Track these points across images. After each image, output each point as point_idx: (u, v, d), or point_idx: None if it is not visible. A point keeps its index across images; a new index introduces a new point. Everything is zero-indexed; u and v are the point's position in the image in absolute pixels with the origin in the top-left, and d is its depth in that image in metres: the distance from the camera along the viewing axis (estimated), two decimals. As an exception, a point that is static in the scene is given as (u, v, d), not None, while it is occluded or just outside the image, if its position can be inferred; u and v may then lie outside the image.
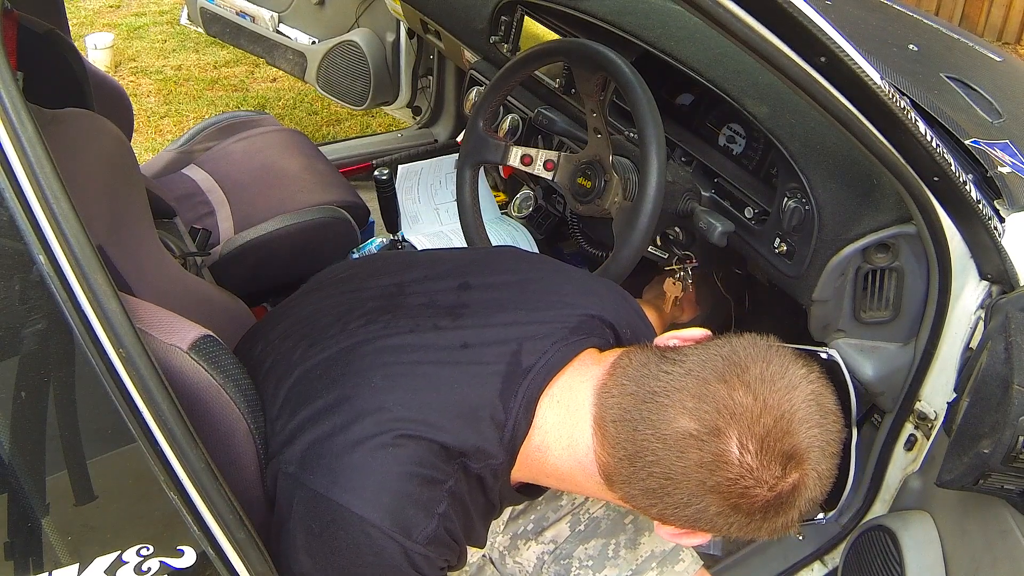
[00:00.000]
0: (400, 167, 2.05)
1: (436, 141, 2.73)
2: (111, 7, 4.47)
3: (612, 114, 1.64)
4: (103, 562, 0.73)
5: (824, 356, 0.85)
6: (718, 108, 1.58)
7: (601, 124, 1.43)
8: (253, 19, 2.70)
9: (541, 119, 1.72)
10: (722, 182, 1.51)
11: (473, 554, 1.19)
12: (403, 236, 1.96)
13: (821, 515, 0.84)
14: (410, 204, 2.04)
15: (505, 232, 1.97)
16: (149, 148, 3.19)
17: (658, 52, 1.51)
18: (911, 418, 1.38)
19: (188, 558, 0.76)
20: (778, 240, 1.38)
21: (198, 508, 0.73)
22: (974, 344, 1.25)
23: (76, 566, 0.72)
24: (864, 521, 1.52)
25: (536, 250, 1.96)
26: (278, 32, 2.69)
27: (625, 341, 0.98)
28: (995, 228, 1.17)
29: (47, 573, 0.71)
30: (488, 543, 1.20)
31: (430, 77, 2.66)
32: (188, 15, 2.89)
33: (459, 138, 1.96)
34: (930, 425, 1.35)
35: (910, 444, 1.40)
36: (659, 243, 1.66)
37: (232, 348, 0.92)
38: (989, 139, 1.40)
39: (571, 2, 1.67)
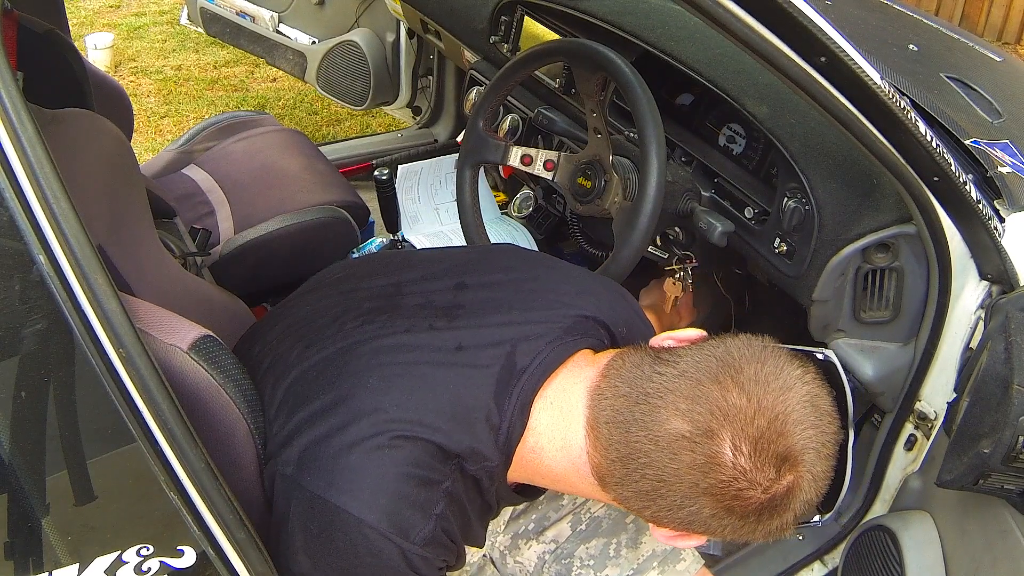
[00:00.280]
0: (400, 167, 2.05)
1: (436, 141, 2.73)
2: (111, 7, 4.47)
3: (612, 114, 1.64)
4: (103, 562, 0.73)
5: (820, 357, 0.85)
6: (718, 108, 1.58)
7: (601, 124, 1.43)
8: (253, 19, 2.70)
9: (541, 119, 1.72)
10: (722, 182, 1.51)
11: (474, 554, 1.19)
12: (403, 236, 1.96)
13: (817, 517, 0.83)
14: (410, 204, 2.04)
15: (505, 232, 1.97)
16: (149, 148, 3.19)
17: (658, 52, 1.51)
18: (911, 418, 1.38)
19: (188, 558, 0.76)
20: (778, 240, 1.38)
21: (198, 508, 0.73)
22: (974, 344, 1.25)
23: (76, 566, 0.72)
24: (864, 521, 1.52)
25: (536, 250, 1.95)
26: (278, 32, 2.69)
27: (621, 341, 0.97)
28: (995, 228, 1.17)
29: (47, 573, 0.71)
30: (489, 543, 1.20)
31: (430, 77, 2.66)
32: (188, 15, 2.89)
33: (459, 138, 1.96)
34: (930, 425, 1.35)
35: (910, 444, 1.40)
36: (659, 243, 1.66)
37: (231, 348, 0.92)
38: (989, 139, 1.40)
39: (571, 2, 1.67)
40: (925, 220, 1.18)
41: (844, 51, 0.93)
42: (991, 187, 1.30)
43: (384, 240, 1.93)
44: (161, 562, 0.75)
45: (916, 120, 1.03)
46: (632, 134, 1.56)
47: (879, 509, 1.50)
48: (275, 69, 3.01)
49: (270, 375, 0.93)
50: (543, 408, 0.87)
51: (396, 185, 1.95)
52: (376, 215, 2.01)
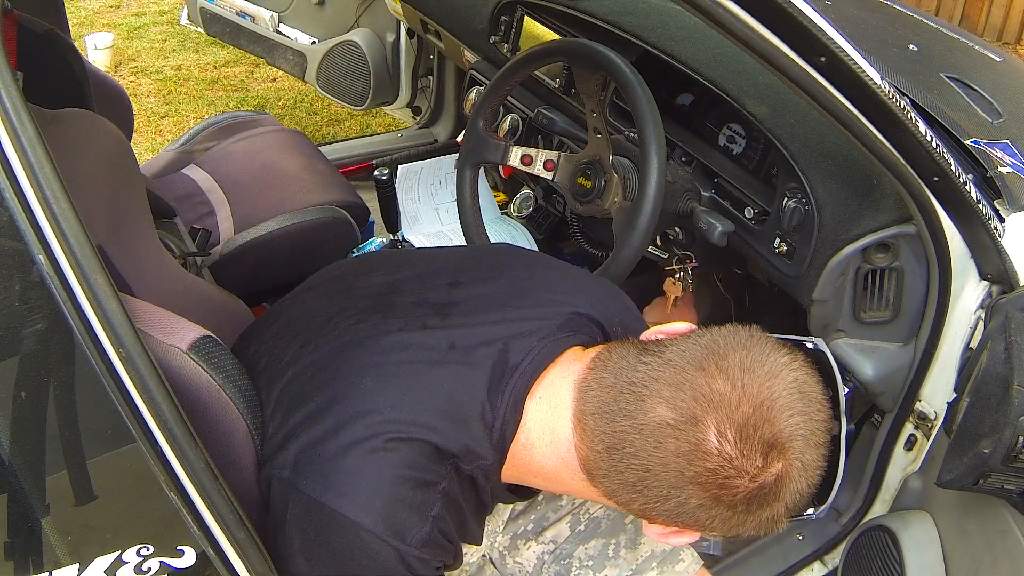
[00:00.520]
0: (400, 167, 2.05)
1: (436, 141, 2.73)
2: (111, 7, 4.47)
3: (612, 114, 1.64)
4: (103, 562, 0.73)
5: (810, 346, 0.84)
6: (718, 108, 1.58)
7: (601, 124, 1.43)
8: (253, 19, 2.70)
9: (541, 119, 1.72)
10: (722, 182, 1.51)
11: (473, 554, 1.19)
12: (403, 236, 1.96)
13: (811, 510, 0.81)
14: (410, 204, 2.04)
15: (505, 232, 1.97)
16: (149, 148, 3.19)
17: (658, 52, 1.51)
18: (911, 418, 1.38)
19: (188, 558, 0.76)
20: (778, 240, 1.38)
21: (198, 508, 0.73)
22: (974, 344, 1.25)
23: (76, 566, 0.72)
24: (864, 521, 1.52)
25: (536, 250, 1.95)
26: (278, 32, 2.69)
27: (615, 339, 0.97)
28: (995, 228, 1.17)
29: (47, 573, 0.71)
30: (488, 543, 1.20)
31: (430, 77, 2.66)
32: (188, 15, 2.89)
33: (459, 138, 1.96)
34: (930, 425, 1.35)
35: (910, 444, 1.40)
36: (659, 243, 1.66)
37: (230, 348, 0.92)
38: (989, 139, 1.40)
39: (571, 2, 1.67)
40: (925, 220, 1.18)
41: (844, 51, 0.93)
42: (991, 187, 1.30)
43: (384, 240, 1.93)
44: (161, 562, 0.75)
45: (916, 120, 1.03)
46: (632, 134, 1.57)
47: (879, 509, 1.50)
48: (275, 69, 3.01)
49: (266, 375, 0.93)
50: (534, 405, 0.87)
51: (396, 185, 1.95)
52: (376, 215, 2.01)
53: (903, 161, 1.08)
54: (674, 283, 1.65)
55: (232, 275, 1.73)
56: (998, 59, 1.85)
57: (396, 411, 0.83)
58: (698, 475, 0.75)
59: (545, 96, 1.81)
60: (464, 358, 0.87)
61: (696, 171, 1.55)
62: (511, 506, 1.21)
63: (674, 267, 1.63)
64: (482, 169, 1.65)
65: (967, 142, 1.37)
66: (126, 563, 0.74)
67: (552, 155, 1.51)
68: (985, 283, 1.24)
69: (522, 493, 0.98)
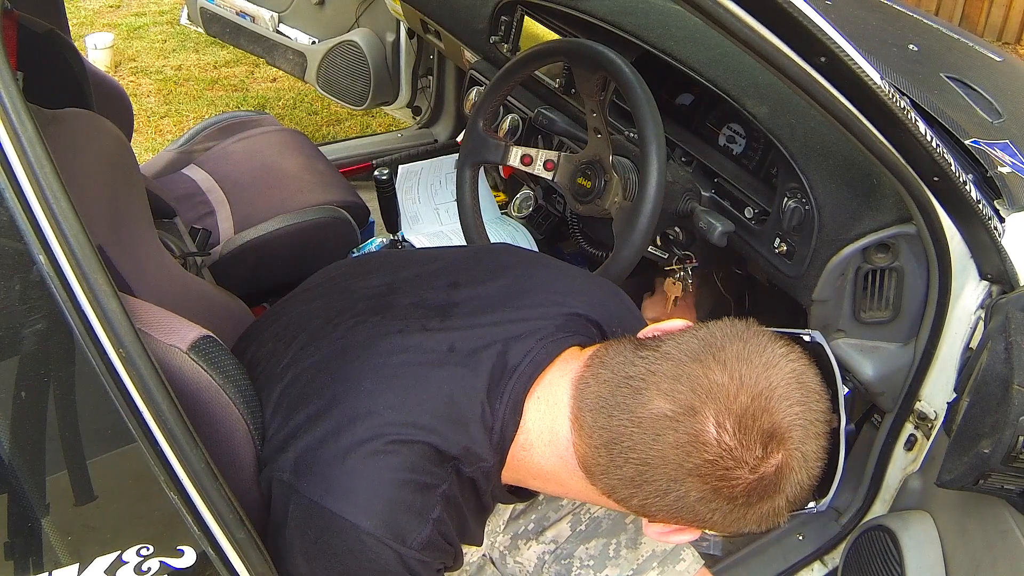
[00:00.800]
0: (400, 167, 2.05)
1: (436, 141, 2.73)
2: (111, 7, 4.47)
3: (612, 114, 1.64)
4: (103, 562, 0.73)
5: (807, 338, 0.83)
6: (718, 108, 1.58)
7: (601, 124, 1.43)
8: (253, 19, 2.70)
9: (541, 119, 1.72)
10: (722, 182, 1.51)
11: (473, 553, 1.19)
12: (403, 236, 1.96)
13: (812, 504, 0.80)
14: (410, 204, 2.04)
15: (505, 232, 1.97)
16: (149, 148, 3.19)
17: (658, 52, 1.51)
18: (911, 418, 1.38)
19: (188, 558, 0.76)
20: (778, 240, 1.38)
21: (198, 508, 0.73)
22: (974, 344, 1.25)
23: (76, 566, 0.72)
24: (864, 521, 1.52)
25: (536, 250, 1.96)
26: (278, 32, 2.69)
27: (616, 338, 0.97)
28: (995, 228, 1.17)
29: (47, 573, 0.71)
30: (489, 543, 1.20)
31: (430, 77, 2.66)
32: (188, 15, 2.89)
33: (459, 138, 1.96)
34: (930, 425, 1.35)
35: (910, 444, 1.40)
36: (659, 243, 1.66)
37: (230, 348, 0.92)
38: (989, 139, 1.40)
39: (571, 2, 1.67)
40: (925, 220, 1.18)
41: (844, 51, 0.93)
42: (991, 187, 1.30)
43: (384, 240, 1.93)
44: (161, 562, 0.75)
45: (916, 120, 1.03)
46: (632, 134, 1.57)
47: (879, 509, 1.50)
48: (275, 69, 3.01)
49: (266, 375, 0.93)
50: (533, 405, 0.86)
51: (396, 185, 1.95)
52: (376, 215, 2.01)
53: (903, 161, 1.08)
54: (674, 283, 1.65)
55: (232, 275, 1.73)
56: (998, 59, 1.85)
57: (396, 413, 0.83)
58: (697, 467, 0.74)
59: (545, 96, 1.81)
60: (463, 360, 0.87)
61: (696, 171, 1.55)
62: (512, 506, 1.21)
63: (674, 267, 1.63)
64: (482, 169, 1.65)
65: (967, 142, 1.37)
66: (126, 563, 0.74)
67: (552, 155, 1.51)
68: (985, 283, 1.24)
69: (522, 494, 0.98)
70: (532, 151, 1.53)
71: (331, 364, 0.89)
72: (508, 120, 1.84)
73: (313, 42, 2.65)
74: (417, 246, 1.92)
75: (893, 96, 0.99)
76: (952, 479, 1.17)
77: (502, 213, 2.08)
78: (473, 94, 1.94)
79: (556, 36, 1.72)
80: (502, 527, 1.21)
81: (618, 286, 1.09)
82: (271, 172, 1.94)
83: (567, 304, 0.94)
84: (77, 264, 0.65)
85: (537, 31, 1.78)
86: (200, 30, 2.88)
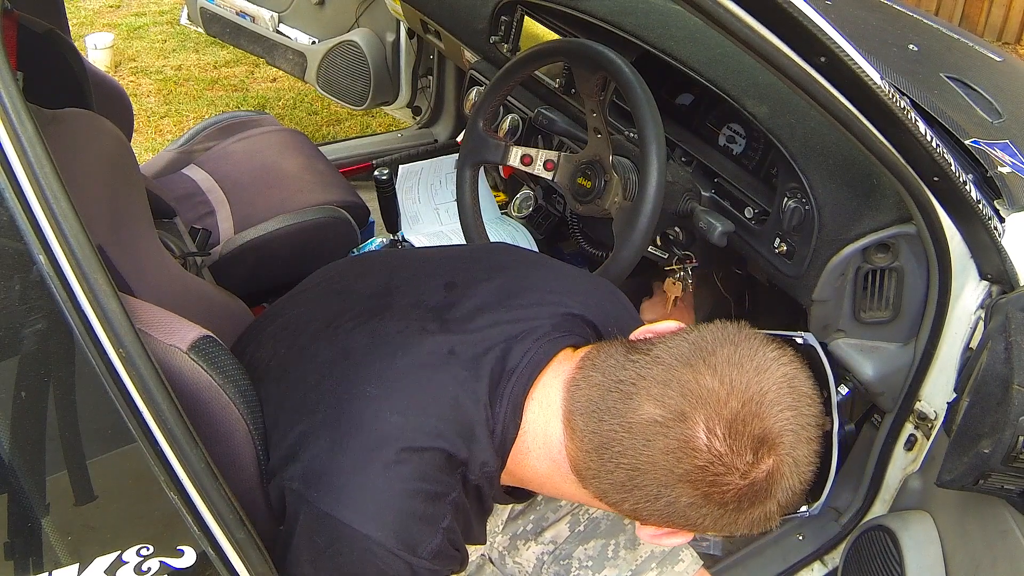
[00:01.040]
0: (400, 167, 2.05)
1: (436, 141, 2.73)
2: (111, 7, 4.47)
3: (612, 114, 1.64)
4: (103, 562, 0.73)
5: (800, 341, 0.83)
6: (718, 108, 1.58)
7: (601, 124, 1.43)
8: (253, 19, 2.70)
9: (541, 119, 1.72)
10: (722, 182, 1.51)
11: (472, 553, 1.19)
12: (403, 236, 1.96)
13: (804, 508, 0.80)
14: (410, 204, 2.04)
15: (505, 232, 1.97)
16: (149, 148, 3.19)
17: (658, 52, 1.51)
18: (911, 418, 1.38)
19: (188, 558, 0.76)
20: (778, 240, 1.38)
21: (198, 508, 0.73)
22: (974, 344, 1.25)
23: (76, 566, 0.72)
24: (864, 521, 1.52)
25: (536, 250, 1.96)
26: (278, 32, 2.69)
27: (609, 339, 0.97)
28: (995, 228, 1.17)
29: (47, 573, 0.71)
30: (488, 543, 1.20)
31: (430, 77, 2.66)
32: (188, 15, 2.89)
33: (459, 138, 1.96)
34: (930, 425, 1.35)
35: (910, 444, 1.40)
36: (659, 243, 1.66)
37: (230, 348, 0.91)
38: (989, 139, 1.40)
39: (571, 2, 1.67)
40: (925, 220, 1.18)
41: (844, 51, 0.93)
42: (991, 187, 1.30)
43: (384, 240, 1.93)
44: (161, 562, 0.75)
45: (916, 120, 1.03)
46: (632, 134, 1.57)
47: (879, 509, 1.50)
48: (275, 69, 3.01)
49: (267, 376, 0.93)
50: (531, 408, 0.86)
51: (396, 185, 1.95)
52: (376, 215, 2.01)
53: (903, 161, 1.08)
54: (674, 283, 1.65)
55: (232, 275, 1.73)
56: (998, 59, 1.85)
57: (403, 417, 0.82)
58: (688, 473, 0.74)
59: (545, 96, 1.81)
60: (464, 363, 0.86)
61: (696, 171, 1.55)
62: (510, 506, 1.21)
63: (674, 267, 1.63)
64: (482, 169, 1.65)
65: (967, 142, 1.37)
66: (126, 563, 0.74)
67: (552, 155, 1.51)
68: (985, 283, 1.24)
69: (519, 495, 0.98)
70: (532, 151, 1.53)
71: (334, 369, 0.88)
72: (508, 120, 1.84)
73: (313, 42, 2.65)
74: (417, 246, 1.92)
75: (893, 96, 0.99)
76: (952, 479, 1.17)
77: (502, 213, 2.08)
78: (473, 94, 1.94)
79: (556, 36, 1.72)
80: (500, 527, 1.21)
81: (618, 286, 1.09)
82: (271, 172, 1.94)
83: (563, 304, 0.94)
84: (77, 264, 0.65)
85: (537, 31, 1.78)
86: (200, 30, 2.88)
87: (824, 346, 1.36)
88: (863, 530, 1.49)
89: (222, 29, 2.78)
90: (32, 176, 0.63)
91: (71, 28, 1.76)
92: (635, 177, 1.44)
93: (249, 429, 0.86)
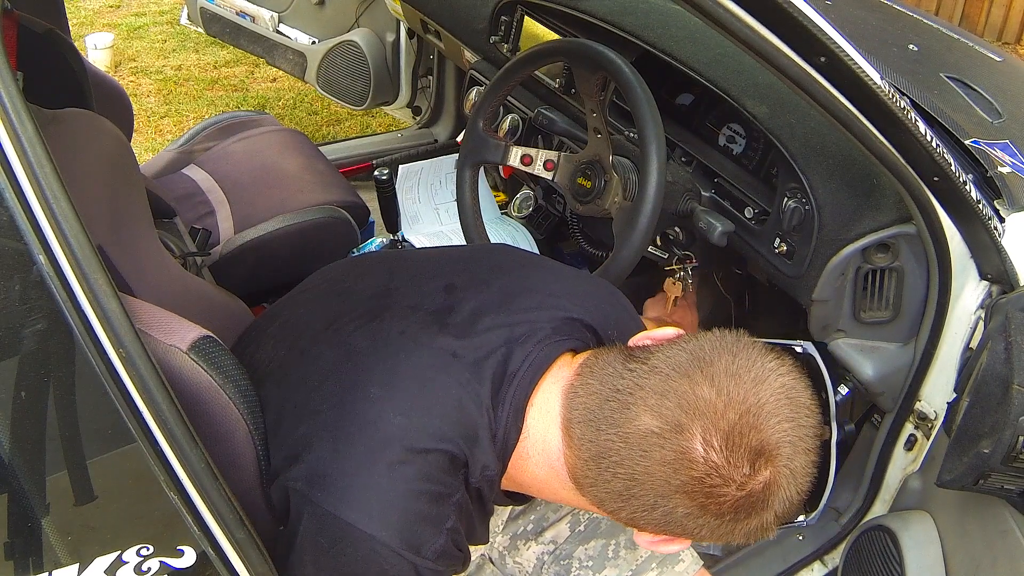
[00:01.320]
0: (400, 167, 2.05)
1: (436, 141, 2.73)
2: (111, 7, 4.47)
3: (612, 114, 1.64)
4: (103, 562, 0.73)
5: (799, 350, 0.83)
6: (718, 108, 1.58)
7: (601, 124, 1.43)
8: (253, 19, 2.70)
9: (541, 119, 1.72)
10: (722, 182, 1.51)
11: (473, 552, 1.19)
12: (403, 236, 1.96)
13: (802, 517, 0.80)
14: (410, 204, 2.04)
15: (505, 232, 1.97)
16: (149, 148, 3.19)
17: (658, 52, 1.51)
18: (911, 418, 1.38)
19: (188, 558, 0.76)
20: (778, 240, 1.38)
21: (198, 508, 0.73)
22: (974, 344, 1.25)
23: (76, 566, 0.72)
24: (864, 521, 1.52)
25: (536, 250, 1.96)
26: (278, 32, 2.69)
27: (609, 343, 0.96)
28: (995, 228, 1.17)
29: (47, 573, 0.71)
30: (488, 543, 1.20)
31: (430, 77, 2.66)
32: (188, 15, 2.89)
33: (459, 138, 1.96)
34: (930, 425, 1.35)
35: (910, 444, 1.40)
36: (659, 243, 1.66)
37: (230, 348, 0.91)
38: (989, 139, 1.40)
39: (571, 2, 1.67)
40: (925, 220, 1.18)
41: (844, 51, 0.93)
42: (991, 187, 1.30)
43: (384, 240, 1.93)
44: (161, 562, 0.75)
45: (916, 120, 1.03)
46: (632, 134, 1.56)
47: (879, 509, 1.50)
48: (275, 69, 3.01)
49: (268, 377, 0.93)
50: (531, 413, 0.86)
51: (396, 185, 1.95)
52: (376, 215, 2.01)
53: (903, 161, 1.08)
54: (674, 283, 1.65)
55: (232, 275, 1.73)
56: (998, 59, 1.85)
57: (407, 418, 0.82)
58: (684, 484, 0.74)
59: (545, 96, 1.81)
60: (467, 366, 0.86)
61: (696, 171, 1.55)
62: (510, 507, 1.21)
63: (674, 267, 1.63)
64: (482, 169, 1.64)
65: (967, 142, 1.37)
66: (126, 563, 0.74)
67: (552, 155, 1.51)
68: (985, 283, 1.24)
69: (518, 498, 0.98)
70: (532, 151, 1.53)
71: (336, 370, 0.88)
72: (508, 120, 1.84)
73: (313, 42, 2.65)
74: (417, 246, 1.92)
75: (893, 96, 0.99)
76: (952, 479, 1.17)
77: (502, 213, 2.08)
78: (473, 94, 1.94)
79: (556, 36, 1.72)
80: (501, 527, 1.21)
81: (618, 286, 1.09)
82: (271, 172, 1.94)
83: (563, 307, 0.94)
84: (77, 264, 0.65)
85: (537, 31, 1.78)
86: (200, 30, 2.88)
87: (824, 346, 1.37)
88: (863, 530, 1.49)
89: (222, 29, 2.78)
90: (32, 176, 0.63)
91: (71, 28, 1.76)
92: (635, 177, 1.44)
93: (249, 429, 0.86)
